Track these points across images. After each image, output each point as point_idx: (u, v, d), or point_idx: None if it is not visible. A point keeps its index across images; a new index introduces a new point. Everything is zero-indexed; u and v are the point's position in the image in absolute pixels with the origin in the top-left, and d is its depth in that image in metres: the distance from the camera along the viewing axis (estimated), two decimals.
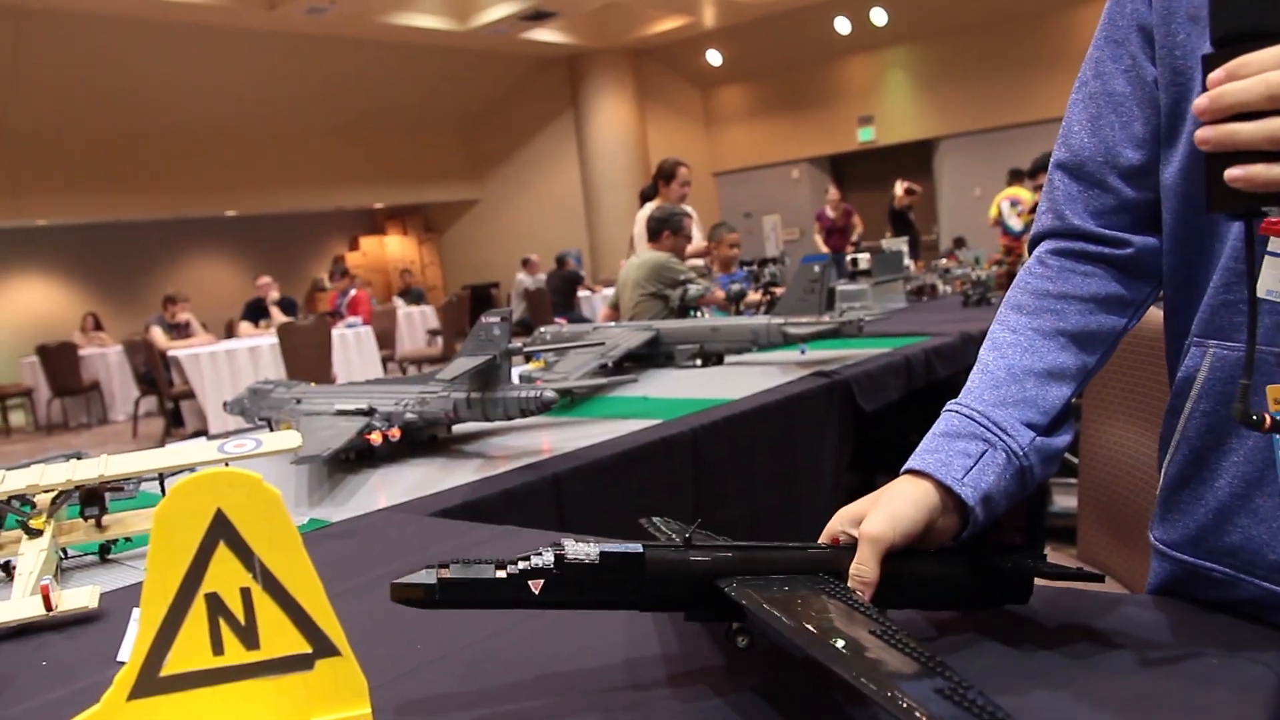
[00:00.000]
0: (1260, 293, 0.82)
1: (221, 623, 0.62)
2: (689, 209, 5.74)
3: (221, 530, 0.62)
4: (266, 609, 0.62)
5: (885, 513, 0.89)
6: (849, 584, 0.85)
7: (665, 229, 4.47)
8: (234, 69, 12.95)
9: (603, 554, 0.79)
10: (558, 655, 0.85)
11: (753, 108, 16.73)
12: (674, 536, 1.08)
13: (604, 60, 15.15)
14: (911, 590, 0.90)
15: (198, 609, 0.62)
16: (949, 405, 1.01)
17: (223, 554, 0.62)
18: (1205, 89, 0.74)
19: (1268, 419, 0.77)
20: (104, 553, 1.49)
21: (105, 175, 13.27)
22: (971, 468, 0.93)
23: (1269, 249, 0.81)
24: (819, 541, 0.93)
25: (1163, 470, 1.01)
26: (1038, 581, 0.94)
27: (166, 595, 0.61)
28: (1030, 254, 1.10)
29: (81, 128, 12.75)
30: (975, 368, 1.04)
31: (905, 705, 0.60)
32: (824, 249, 10.36)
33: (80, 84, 11.94)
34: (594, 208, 15.32)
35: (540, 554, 0.78)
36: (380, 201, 17.83)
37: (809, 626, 0.73)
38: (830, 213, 10.98)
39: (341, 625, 0.65)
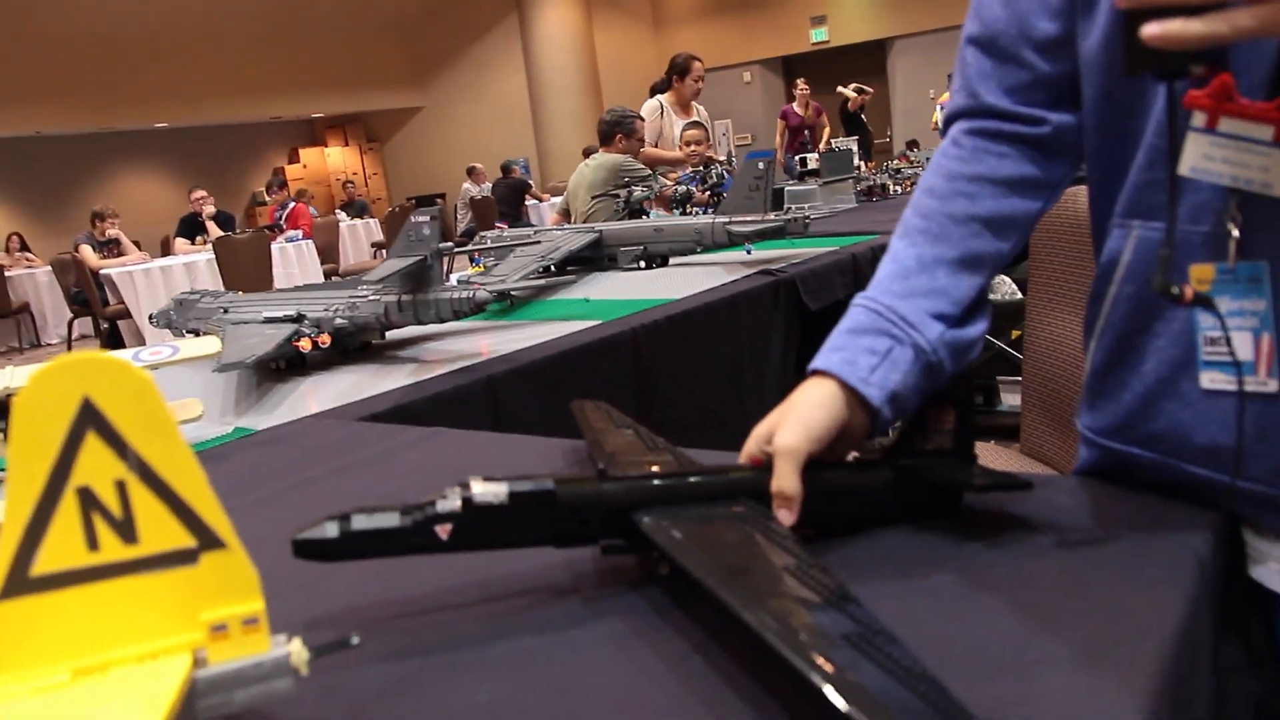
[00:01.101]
0: (1183, 170, 0.79)
1: (95, 517, 0.57)
2: (701, 108, 5.62)
3: (90, 419, 0.56)
4: (144, 502, 0.57)
5: (796, 423, 0.85)
6: (774, 502, 0.82)
7: (617, 132, 4.38)
8: None
9: (512, 494, 0.75)
10: (475, 556, 0.81)
11: (702, 8, 16.39)
12: (607, 426, 1.04)
13: None
14: (835, 505, 0.87)
15: (68, 504, 0.57)
16: (856, 299, 0.97)
17: (93, 444, 0.56)
18: None
19: (1188, 291, 0.75)
20: None
21: (23, 85, 12.68)
22: (878, 365, 0.89)
23: (1191, 124, 0.78)
24: (738, 463, 0.89)
25: (1089, 357, 0.99)
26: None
27: (33, 490, 0.56)
28: (944, 135, 1.05)
29: None
30: (885, 256, 0.99)
31: (809, 656, 0.57)
32: (780, 153, 9.21)
33: None
34: (541, 114, 14.96)
35: (446, 497, 0.74)
36: (319, 111, 17.33)
37: (719, 567, 0.70)
38: (799, 109, 9.77)
39: (253, 532, 0.61)
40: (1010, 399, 3.64)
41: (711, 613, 0.74)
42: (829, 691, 0.53)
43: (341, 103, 16.81)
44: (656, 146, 5.32)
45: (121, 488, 0.57)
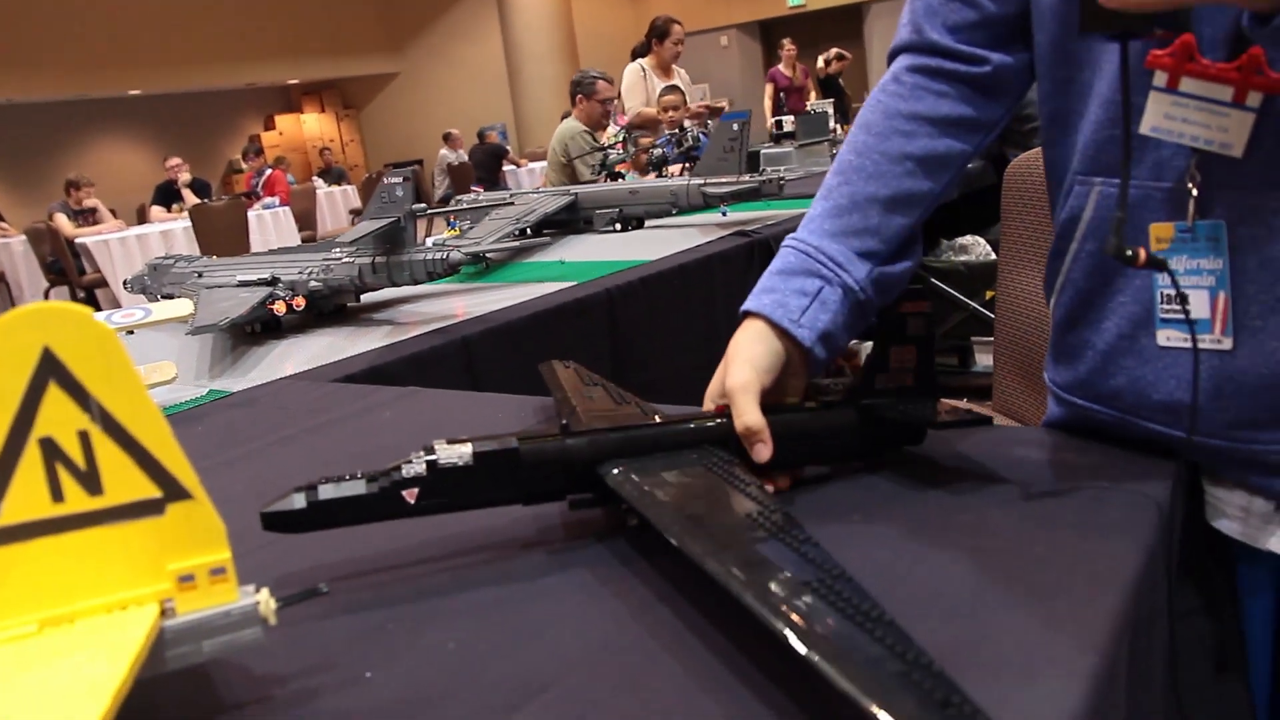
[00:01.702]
0: (1144, 129, 0.79)
1: (59, 468, 0.57)
2: (681, 71, 5.59)
3: (51, 370, 0.56)
4: (108, 452, 0.58)
5: (742, 361, 0.88)
6: (745, 441, 0.83)
7: (578, 93, 4.37)
8: None
9: (476, 454, 0.76)
10: (444, 515, 0.82)
11: None
12: (575, 385, 1.05)
13: None
14: (803, 447, 0.88)
15: (31, 455, 0.57)
16: (786, 240, 0.99)
17: (55, 395, 0.56)
18: None
19: (1143, 254, 0.76)
20: None
21: None
22: (808, 306, 0.92)
23: (1153, 84, 0.78)
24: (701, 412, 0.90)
25: (1051, 313, 1.00)
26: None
27: None
28: (888, 68, 1.06)
29: None
30: (819, 193, 1.01)
31: (770, 603, 0.58)
32: (769, 115, 8.67)
33: None
34: (518, 80, 14.80)
35: (411, 461, 0.75)
36: (295, 77, 17.12)
37: (682, 516, 0.71)
38: (786, 70, 9.35)
39: (227, 491, 0.61)
40: (984, 359, 3.66)
41: (676, 562, 0.75)
42: (789, 637, 0.54)
43: (317, 69, 16.61)
44: (647, 107, 5.28)
45: (85, 438, 0.57)
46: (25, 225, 10.23)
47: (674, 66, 5.55)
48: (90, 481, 0.58)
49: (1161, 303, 0.86)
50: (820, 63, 9.90)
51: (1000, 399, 1.97)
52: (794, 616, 0.56)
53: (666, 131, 4.54)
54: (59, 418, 0.57)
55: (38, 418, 0.57)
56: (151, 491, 0.59)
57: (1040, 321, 1.81)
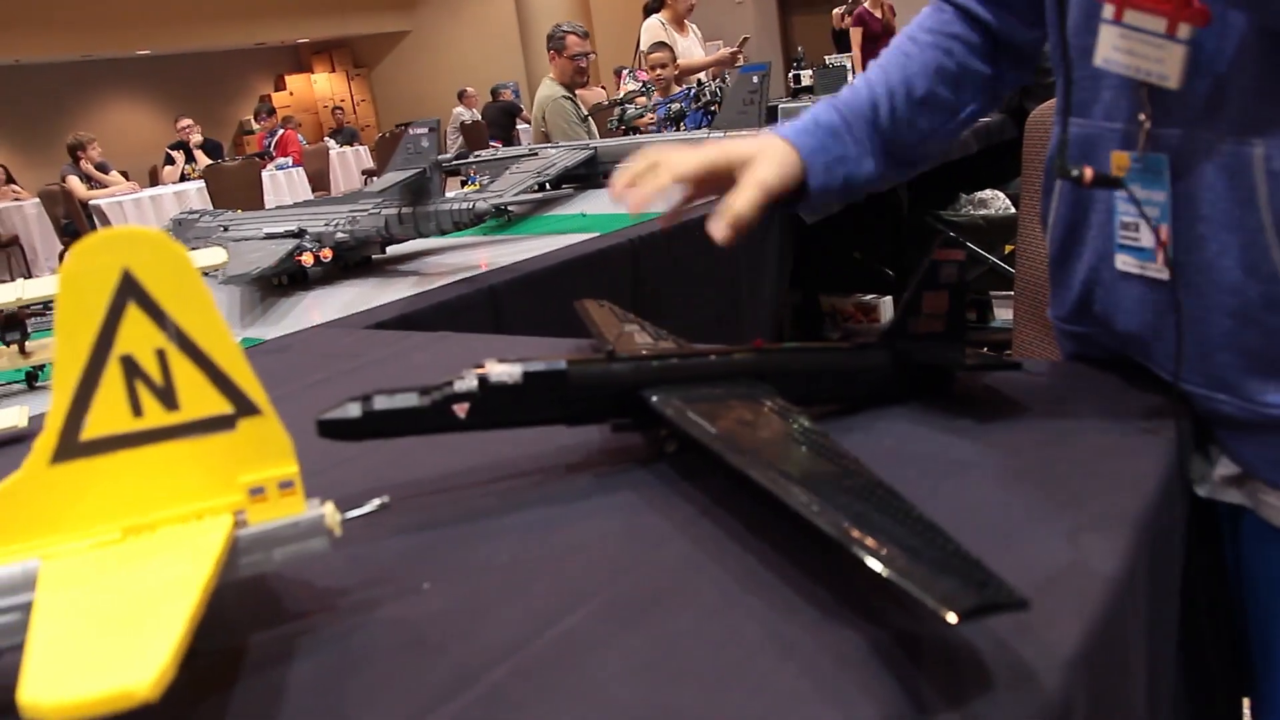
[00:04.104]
0: (1097, 61, 0.83)
1: (139, 385, 0.60)
2: (694, 26, 5.55)
3: (130, 290, 0.59)
4: (183, 370, 0.61)
5: (777, 165, 0.98)
6: (718, 212, 0.93)
7: (550, 48, 4.32)
8: None
9: (526, 374, 0.78)
10: (489, 441, 0.85)
11: None
12: (611, 321, 1.08)
13: None
14: (834, 385, 0.91)
15: (113, 372, 0.60)
16: (834, 101, 1.07)
17: (134, 315, 0.59)
18: None
19: (1089, 173, 0.81)
20: (31, 380, 1.47)
21: (1, 12, 12.43)
22: (829, 166, 1.02)
23: (1102, 16, 0.81)
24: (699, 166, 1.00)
25: (1047, 249, 1.04)
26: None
27: (79, 358, 0.59)
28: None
29: None
30: (875, 71, 1.09)
31: (816, 506, 0.61)
32: (860, 66, 7.04)
33: None
34: (530, 36, 14.67)
35: (463, 378, 0.77)
36: (304, 36, 17.03)
37: (727, 433, 0.73)
38: (875, 11, 7.91)
39: None
40: (1003, 314, 3.67)
41: (718, 481, 0.79)
42: (830, 531, 0.57)
43: (327, 27, 16.51)
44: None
45: (162, 356, 0.60)
46: (37, 188, 10.26)
47: (686, 22, 5.51)
48: (167, 397, 0.61)
49: (1119, 229, 0.90)
50: (836, 16, 9.60)
51: (1019, 350, 1.99)
52: (834, 513, 0.59)
53: (658, 92, 4.52)
54: (138, 337, 0.60)
55: (118, 337, 0.59)
56: (224, 407, 0.62)
57: None
